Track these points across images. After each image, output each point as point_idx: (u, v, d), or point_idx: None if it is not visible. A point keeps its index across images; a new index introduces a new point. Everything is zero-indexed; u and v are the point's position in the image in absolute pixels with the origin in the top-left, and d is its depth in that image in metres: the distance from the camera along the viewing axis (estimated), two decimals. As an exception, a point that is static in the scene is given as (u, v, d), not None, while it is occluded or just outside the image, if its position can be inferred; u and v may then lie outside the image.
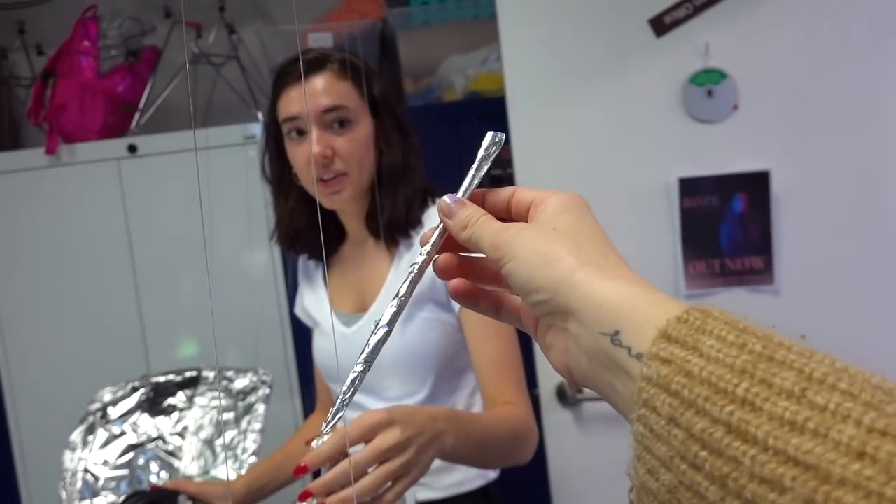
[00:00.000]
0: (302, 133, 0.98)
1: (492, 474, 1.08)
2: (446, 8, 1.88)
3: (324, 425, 0.41)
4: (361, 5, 1.89)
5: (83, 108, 1.76)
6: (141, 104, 1.87)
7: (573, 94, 1.40)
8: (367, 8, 1.89)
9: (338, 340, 1.06)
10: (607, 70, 1.38)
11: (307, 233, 1.08)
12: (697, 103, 1.35)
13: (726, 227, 1.37)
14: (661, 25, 1.34)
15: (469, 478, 1.05)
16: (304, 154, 0.97)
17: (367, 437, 0.67)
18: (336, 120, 0.96)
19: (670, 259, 1.39)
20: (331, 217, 1.09)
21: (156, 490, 1.02)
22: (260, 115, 1.90)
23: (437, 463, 1.03)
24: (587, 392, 1.43)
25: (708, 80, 1.35)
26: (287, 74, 0.99)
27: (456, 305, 0.99)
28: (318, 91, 0.96)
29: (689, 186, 1.37)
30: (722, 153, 1.36)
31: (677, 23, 1.34)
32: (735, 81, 1.34)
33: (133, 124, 1.86)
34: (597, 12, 1.37)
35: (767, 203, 1.35)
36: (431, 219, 1.04)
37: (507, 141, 1.45)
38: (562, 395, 1.43)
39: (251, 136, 1.78)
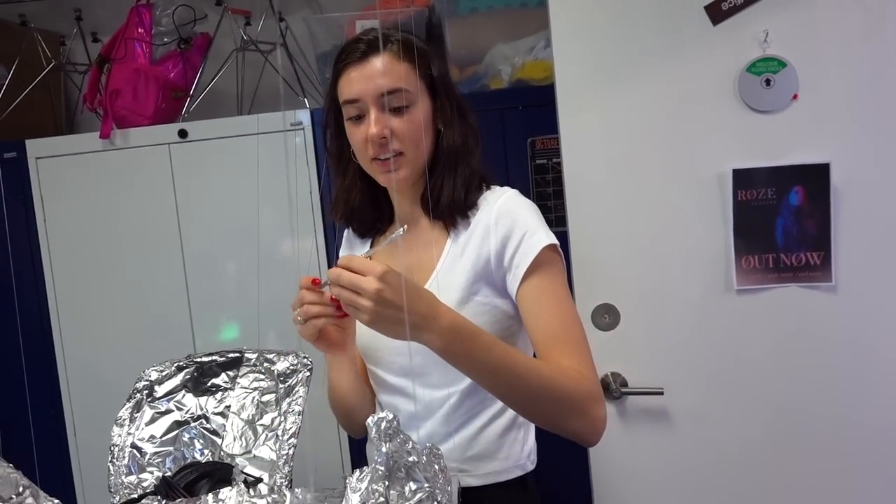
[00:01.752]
0: (361, 117, 0.99)
1: (529, 465, 1.07)
2: (494, -5, 1.86)
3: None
4: (409, -8, 1.88)
5: (136, 93, 1.79)
6: (191, 90, 1.90)
7: (624, 83, 1.37)
8: (415, -5, 1.89)
9: None
10: (660, 58, 1.35)
11: (361, 210, 1.10)
12: (754, 92, 1.31)
13: (782, 220, 1.33)
14: (718, 12, 1.30)
15: (507, 468, 1.04)
16: (362, 135, 0.99)
17: (357, 270, 0.79)
18: (394, 102, 0.97)
19: (721, 253, 1.36)
20: (385, 197, 1.09)
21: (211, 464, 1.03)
22: (307, 102, 1.91)
23: (476, 450, 1.03)
24: (631, 386, 1.40)
25: (766, 68, 1.30)
26: (348, 55, 0.99)
27: (513, 289, 0.97)
28: (376, 73, 0.97)
29: (743, 178, 1.33)
30: (779, 144, 1.32)
31: (735, 9, 1.30)
32: (795, 70, 1.30)
33: (183, 110, 1.89)
34: (651, -1, 1.34)
35: (826, 196, 1.30)
36: (488, 202, 1.02)
37: (555, 130, 1.43)
38: (605, 389, 1.41)
39: (297, 123, 1.79)
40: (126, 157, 1.81)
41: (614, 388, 1.39)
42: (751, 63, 1.31)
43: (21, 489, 0.50)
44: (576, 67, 1.38)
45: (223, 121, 1.83)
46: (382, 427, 0.58)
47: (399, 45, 0.99)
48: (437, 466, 0.67)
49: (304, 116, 1.79)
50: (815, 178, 1.30)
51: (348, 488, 0.61)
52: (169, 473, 1.05)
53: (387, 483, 0.57)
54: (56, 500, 0.55)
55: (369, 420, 0.61)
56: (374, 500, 0.57)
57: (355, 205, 1.10)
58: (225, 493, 0.64)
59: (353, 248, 1.19)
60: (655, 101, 1.36)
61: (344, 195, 1.10)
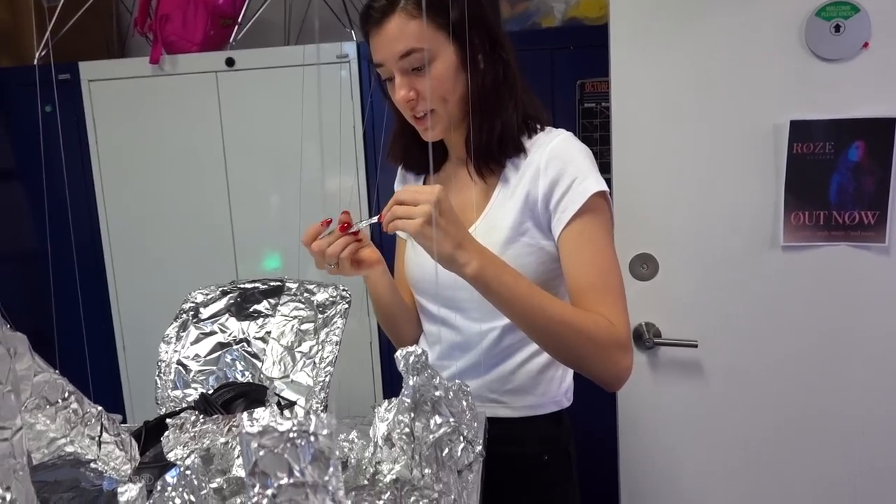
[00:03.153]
0: (391, 77, 0.99)
1: (565, 402, 1.09)
2: (551, -73, 1.77)
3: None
4: (463, -79, 1.81)
5: (185, 19, 1.79)
6: (239, 18, 1.89)
7: (682, 25, 1.31)
8: (469, -76, 1.81)
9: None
10: (720, 0, 1.28)
11: (412, 153, 1.12)
12: (822, 39, 1.24)
13: (838, 176, 1.27)
14: (790, -51, 1.22)
15: (543, 402, 1.07)
16: (396, 97, 1.00)
17: (412, 198, 0.84)
18: (413, 63, 0.96)
19: (769, 208, 1.31)
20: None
21: (246, 384, 1.08)
22: (354, 35, 1.88)
23: (514, 384, 1.05)
24: (665, 337, 1.40)
25: (837, 13, 1.22)
26: (364, 23, 0.99)
27: (556, 233, 0.97)
28: (391, 37, 0.95)
29: (801, 130, 1.27)
30: (843, 96, 1.25)
31: (810, -53, 1.21)
32: (868, 16, 1.22)
33: (231, 38, 1.89)
34: (718, -67, 1.26)
35: (889, 153, 1.24)
36: (540, 144, 1.00)
37: (606, 72, 1.38)
38: (638, 338, 1.41)
39: (344, 56, 1.77)
40: (175, 82, 1.82)
41: (647, 338, 1.39)
42: (820, 7, 1.23)
43: (66, 394, 0.53)
44: (632, 6, 1.32)
45: (270, 50, 1.83)
46: (410, 361, 0.59)
47: (412, 1, 0.95)
48: (464, 403, 0.68)
49: (350, 49, 1.77)
50: (878, 134, 1.24)
51: (376, 417, 0.63)
52: (210, 391, 1.11)
53: (412, 415, 0.59)
54: (99, 407, 0.58)
55: (398, 353, 0.62)
56: (399, 430, 0.58)
57: (407, 149, 1.12)
58: (259, 412, 0.66)
59: (406, 183, 1.20)
60: (714, 46, 1.30)
61: (399, 140, 1.12)
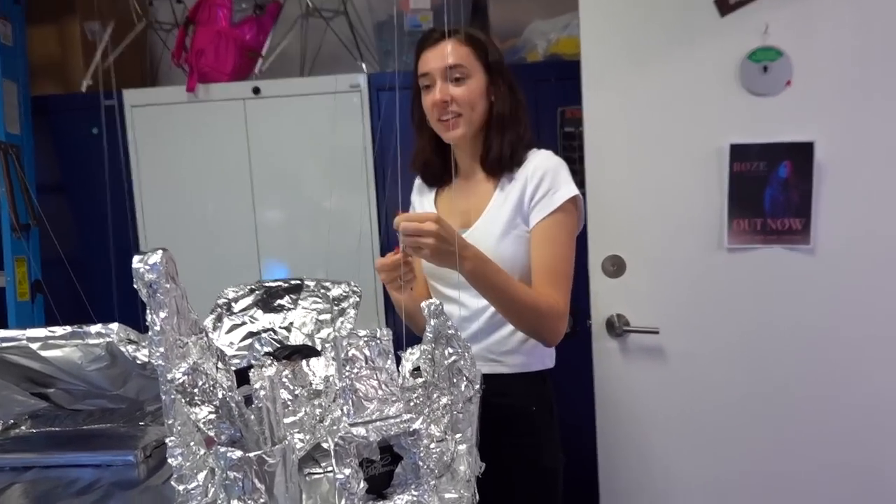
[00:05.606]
0: (430, 87, 1.28)
1: (549, 363, 1.36)
2: (536, -25, 2.05)
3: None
4: (459, -30, 2.08)
5: (217, 53, 2.05)
6: (263, 51, 2.15)
7: (641, 64, 1.58)
8: (464, -27, 2.09)
9: None
10: (673, 44, 1.55)
11: (431, 163, 1.40)
12: (753, 78, 1.51)
13: (770, 190, 1.54)
14: (725, 6, 1.49)
15: (531, 362, 1.34)
16: (431, 100, 1.28)
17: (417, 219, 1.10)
18: (455, 74, 1.25)
19: (716, 216, 1.58)
20: (451, 155, 1.37)
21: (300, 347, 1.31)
22: (364, 67, 2.15)
23: (508, 347, 1.32)
24: (633, 325, 1.65)
25: (765, 57, 1.50)
26: (425, 41, 1.30)
27: (531, 223, 1.24)
28: (445, 53, 1.26)
29: (739, 152, 1.54)
30: (772, 124, 1.52)
31: (741, 4, 1.49)
32: (790, 59, 1.49)
33: (256, 69, 2.15)
34: (669, -10, 1.54)
35: (810, 171, 1.50)
36: (529, 160, 1.29)
37: (579, 101, 1.65)
38: (610, 327, 1.66)
39: (356, 86, 2.03)
40: (207, 108, 2.08)
41: (617, 326, 1.64)
42: (751, 52, 1.50)
43: (202, 332, 0.76)
44: (600, 48, 1.59)
45: (290, 80, 2.09)
46: (432, 308, 0.83)
47: (465, 35, 1.27)
48: (467, 354, 0.92)
49: (361, 79, 2.03)
50: (801, 155, 1.51)
51: (403, 358, 0.88)
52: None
53: (433, 346, 0.83)
54: (218, 345, 0.79)
55: (423, 303, 0.86)
56: (424, 357, 0.83)
57: (427, 159, 1.39)
58: (314, 361, 0.90)
59: (422, 194, 1.46)
60: (667, 82, 1.57)
61: (420, 151, 1.40)
